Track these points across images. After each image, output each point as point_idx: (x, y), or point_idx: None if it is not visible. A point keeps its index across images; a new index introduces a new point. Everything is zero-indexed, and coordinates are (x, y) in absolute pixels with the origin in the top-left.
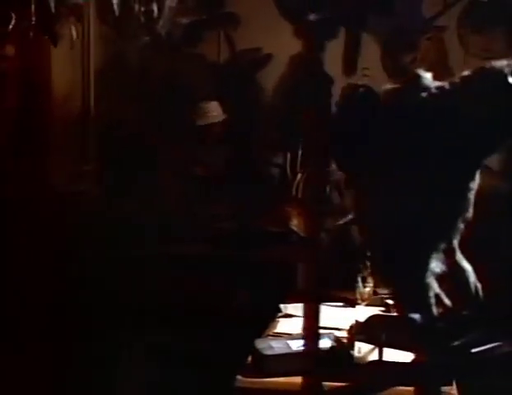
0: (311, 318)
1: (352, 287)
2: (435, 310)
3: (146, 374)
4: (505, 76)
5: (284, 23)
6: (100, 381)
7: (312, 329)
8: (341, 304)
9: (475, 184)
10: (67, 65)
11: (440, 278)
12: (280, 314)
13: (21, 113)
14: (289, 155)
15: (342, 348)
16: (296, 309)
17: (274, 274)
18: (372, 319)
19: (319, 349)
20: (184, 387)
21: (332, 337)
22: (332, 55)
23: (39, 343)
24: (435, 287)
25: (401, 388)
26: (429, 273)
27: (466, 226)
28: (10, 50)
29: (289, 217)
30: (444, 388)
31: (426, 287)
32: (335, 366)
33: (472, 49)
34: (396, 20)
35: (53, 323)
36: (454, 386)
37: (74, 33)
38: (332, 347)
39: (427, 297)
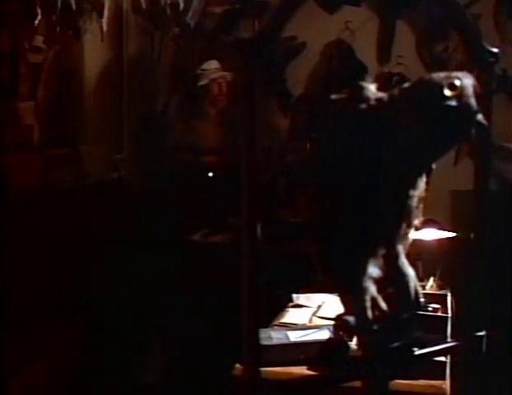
0: None
1: None
2: (369, 313)
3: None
4: (442, 88)
5: (318, 12)
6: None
7: None
8: None
9: (417, 192)
10: (101, 56)
11: (381, 283)
12: (290, 304)
13: (56, 103)
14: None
15: (339, 340)
16: (308, 299)
17: (294, 264)
18: None
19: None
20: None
21: (332, 329)
22: (367, 43)
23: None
24: (372, 291)
25: None
26: (366, 277)
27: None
28: (43, 42)
29: None
30: (436, 383)
31: (363, 290)
32: (331, 357)
33: (508, 37)
34: (430, 8)
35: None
36: (447, 381)
37: (104, 26)
38: (329, 339)
39: (363, 300)
